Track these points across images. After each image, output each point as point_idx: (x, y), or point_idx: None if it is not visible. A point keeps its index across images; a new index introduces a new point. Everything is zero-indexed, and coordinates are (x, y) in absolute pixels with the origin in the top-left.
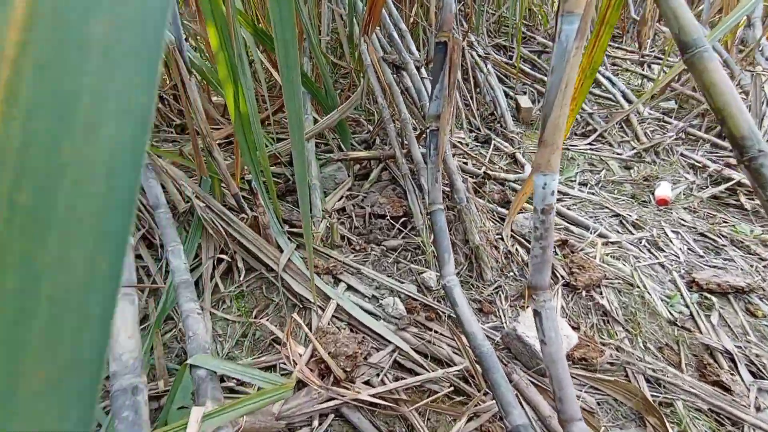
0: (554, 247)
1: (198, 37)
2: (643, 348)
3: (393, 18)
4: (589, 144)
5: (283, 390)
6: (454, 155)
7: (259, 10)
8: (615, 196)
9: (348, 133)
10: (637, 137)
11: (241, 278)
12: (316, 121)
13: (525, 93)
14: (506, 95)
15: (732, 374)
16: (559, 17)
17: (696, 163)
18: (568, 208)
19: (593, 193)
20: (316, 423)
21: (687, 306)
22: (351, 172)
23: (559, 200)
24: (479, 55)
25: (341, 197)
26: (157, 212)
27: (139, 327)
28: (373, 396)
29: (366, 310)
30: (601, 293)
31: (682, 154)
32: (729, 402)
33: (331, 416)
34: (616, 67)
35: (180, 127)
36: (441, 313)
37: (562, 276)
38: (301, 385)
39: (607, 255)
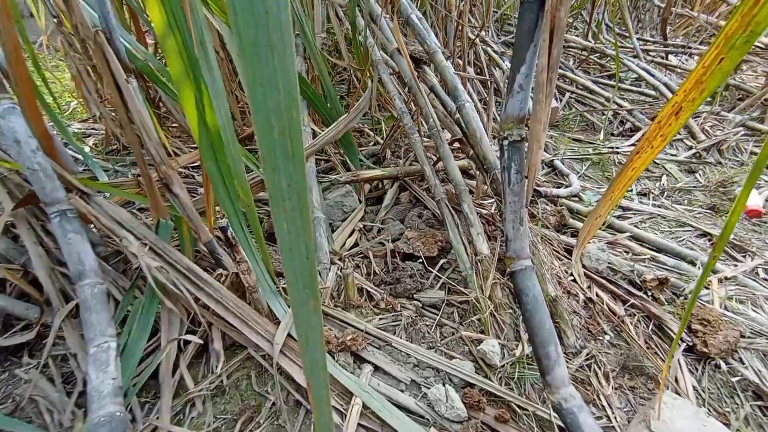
0: (650, 289)
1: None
2: None
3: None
4: (633, 145)
5: None
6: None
7: None
8: (689, 208)
9: (354, 146)
10: (693, 135)
11: (219, 367)
12: (315, 134)
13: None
14: None
15: None
16: None
17: None
18: (636, 226)
19: (660, 206)
20: None
21: None
22: (362, 196)
23: (620, 216)
24: (495, 51)
25: (353, 231)
26: (79, 285)
27: None
28: None
29: (406, 409)
30: (741, 360)
31: (753, 153)
32: None
33: None
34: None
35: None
36: (517, 408)
37: (682, 336)
38: None
39: (729, 299)
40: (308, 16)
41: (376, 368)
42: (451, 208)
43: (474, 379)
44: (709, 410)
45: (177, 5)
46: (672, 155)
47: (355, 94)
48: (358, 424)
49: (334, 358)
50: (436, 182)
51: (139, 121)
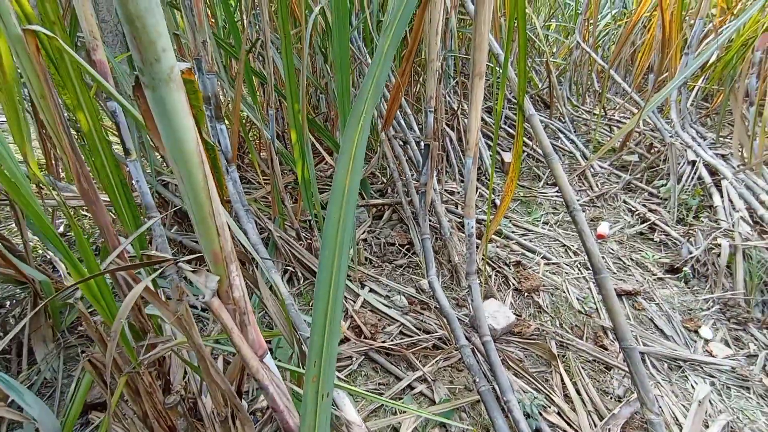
0: (509, 265)
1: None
2: (559, 326)
3: (402, 108)
4: (556, 192)
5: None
6: (446, 201)
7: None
8: (567, 232)
9: (367, 184)
10: (591, 187)
11: (300, 283)
12: None
13: (509, 150)
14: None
15: (612, 341)
16: None
17: (632, 208)
18: (530, 241)
19: (551, 230)
20: (354, 360)
21: (594, 303)
22: (370, 214)
23: (523, 235)
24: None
25: (364, 231)
26: (256, 247)
27: None
28: (388, 346)
29: (383, 303)
30: (539, 295)
31: (624, 201)
32: (604, 354)
33: (362, 357)
34: (585, 127)
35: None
36: (430, 306)
37: (512, 284)
38: (344, 339)
39: (547, 271)
40: None
41: (371, 290)
42: (413, 220)
43: (414, 295)
44: (514, 312)
45: (302, 135)
46: (576, 200)
47: (368, 150)
48: (361, 306)
49: (352, 282)
50: (406, 207)
51: (278, 175)
